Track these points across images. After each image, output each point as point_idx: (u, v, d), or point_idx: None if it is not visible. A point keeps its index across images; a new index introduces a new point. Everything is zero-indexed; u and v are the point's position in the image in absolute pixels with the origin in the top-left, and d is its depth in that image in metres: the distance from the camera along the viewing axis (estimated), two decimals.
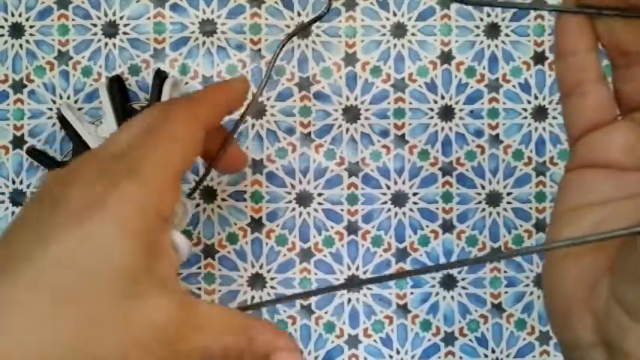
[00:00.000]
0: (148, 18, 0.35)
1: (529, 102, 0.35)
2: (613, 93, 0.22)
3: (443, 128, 0.35)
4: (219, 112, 0.25)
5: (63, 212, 0.20)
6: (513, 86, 0.35)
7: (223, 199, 0.34)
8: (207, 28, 0.35)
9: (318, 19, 0.29)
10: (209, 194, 0.34)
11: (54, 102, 0.35)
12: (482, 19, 0.35)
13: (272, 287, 0.34)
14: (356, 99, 0.35)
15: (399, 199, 0.34)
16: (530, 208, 0.35)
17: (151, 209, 0.21)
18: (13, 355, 0.18)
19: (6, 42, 0.35)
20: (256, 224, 0.34)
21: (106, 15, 0.35)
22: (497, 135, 0.35)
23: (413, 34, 0.35)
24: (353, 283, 0.33)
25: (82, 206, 0.20)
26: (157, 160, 0.21)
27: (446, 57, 0.35)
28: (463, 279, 0.34)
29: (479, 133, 0.35)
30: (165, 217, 0.21)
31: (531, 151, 0.35)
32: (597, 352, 0.19)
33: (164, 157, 0.21)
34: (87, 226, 0.19)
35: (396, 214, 0.34)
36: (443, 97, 0.35)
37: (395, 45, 0.35)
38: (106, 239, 0.19)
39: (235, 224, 0.34)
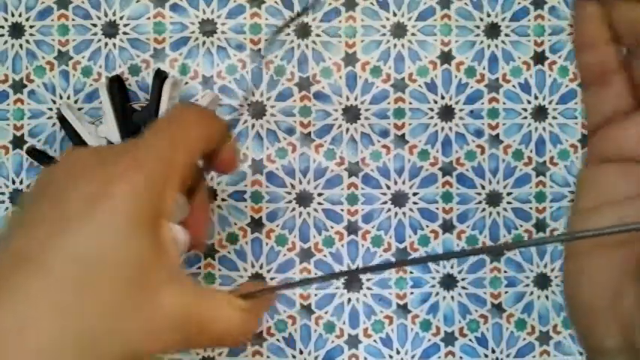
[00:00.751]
0: (148, 18, 0.35)
1: (529, 102, 0.35)
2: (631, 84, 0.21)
3: (443, 128, 0.35)
4: (219, 128, 0.25)
5: (71, 205, 0.20)
6: (513, 86, 0.35)
7: (223, 199, 0.34)
8: (207, 28, 0.35)
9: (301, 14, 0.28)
10: (209, 194, 0.34)
11: (54, 102, 0.35)
12: (482, 19, 0.35)
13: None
14: (356, 99, 0.35)
15: (399, 199, 0.34)
16: (530, 208, 0.34)
17: (155, 201, 0.21)
18: (38, 346, 0.18)
19: (6, 42, 0.35)
20: (256, 224, 0.34)
21: (106, 15, 0.35)
22: (498, 135, 0.35)
23: (413, 34, 0.35)
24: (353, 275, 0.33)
25: (89, 198, 0.20)
26: (159, 154, 0.22)
27: (446, 57, 0.35)
28: (463, 279, 0.34)
29: (479, 133, 0.35)
30: (167, 210, 0.22)
31: (531, 151, 0.35)
32: (623, 358, 0.19)
33: (166, 153, 0.22)
34: (97, 217, 0.20)
35: (396, 214, 0.34)
36: (443, 97, 0.35)
37: (395, 45, 0.35)
38: (116, 230, 0.20)
39: (235, 224, 0.34)
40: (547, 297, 0.34)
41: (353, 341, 0.34)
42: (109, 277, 0.20)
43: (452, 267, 0.34)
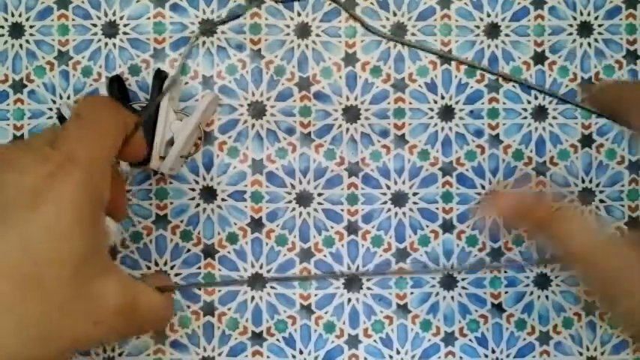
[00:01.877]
0: (148, 18, 0.35)
1: (529, 102, 0.35)
2: None
3: (443, 128, 0.35)
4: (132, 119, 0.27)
5: (9, 199, 0.20)
6: (513, 86, 0.35)
7: (223, 199, 0.34)
8: (208, 28, 0.35)
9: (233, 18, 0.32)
10: (209, 194, 0.34)
11: (54, 102, 0.35)
12: (482, 19, 0.35)
13: (272, 287, 0.34)
14: (356, 99, 0.35)
15: (399, 199, 0.34)
16: None
17: (95, 194, 0.22)
18: None
19: (6, 42, 0.35)
20: (256, 224, 0.34)
21: (106, 15, 0.35)
22: (498, 135, 0.35)
23: (413, 34, 0.35)
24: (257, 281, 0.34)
25: (31, 191, 0.20)
26: (94, 149, 0.23)
27: (446, 57, 0.35)
28: (463, 279, 0.34)
29: (479, 133, 0.35)
30: (104, 202, 0.23)
31: (531, 151, 0.35)
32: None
33: (100, 147, 0.23)
34: (41, 211, 0.20)
35: (396, 214, 0.34)
36: (443, 97, 0.35)
37: (395, 45, 0.35)
38: (59, 224, 0.20)
39: (235, 224, 0.34)
40: (547, 297, 0.34)
41: (353, 341, 0.34)
42: (56, 271, 0.20)
43: (452, 267, 0.34)
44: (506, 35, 0.35)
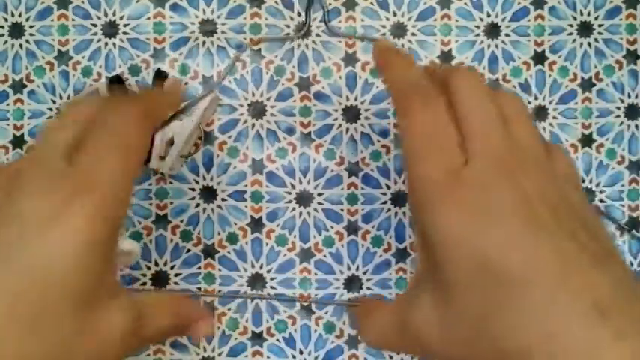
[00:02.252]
0: (148, 18, 0.35)
1: (529, 102, 0.35)
2: None
3: None
4: (162, 116, 0.26)
5: (23, 223, 0.19)
6: (513, 86, 0.35)
7: (223, 199, 0.34)
8: (207, 28, 0.35)
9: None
10: (209, 194, 0.34)
11: (54, 102, 0.35)
12: (482, 19, 0.35)
13: (272, 287, 0.34)
14: (356, 99, 0.35)
15: (398, 199, 0.34)
16: None
17: (110, 220, 0.20)
18: None
19: (6, 42, 0.35)
20: (256, 224, 0.34)
21: (106, 15, 0.35)
22: None
23: (413, 34, 0.35)
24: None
25: (40, 219, 0.19)
26: (114, 169, 0.20)
27: (446, 57, 0.35)
28: None
29: None
30: (120, 226, 0.21)
31: None
32: None
33: (122, 165, 0.21)
34: (49, 240, 0.19)
35: (396, 214, 0.34)
36: None
37: (395, 45, 0.35)
38: (69, 256, 0.19)
39: (235, 224, 0.34)
40: None
41: (353, 341, 0.34)
42: (62, 305, 0.19)
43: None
44: (506, 35, 0.35)
